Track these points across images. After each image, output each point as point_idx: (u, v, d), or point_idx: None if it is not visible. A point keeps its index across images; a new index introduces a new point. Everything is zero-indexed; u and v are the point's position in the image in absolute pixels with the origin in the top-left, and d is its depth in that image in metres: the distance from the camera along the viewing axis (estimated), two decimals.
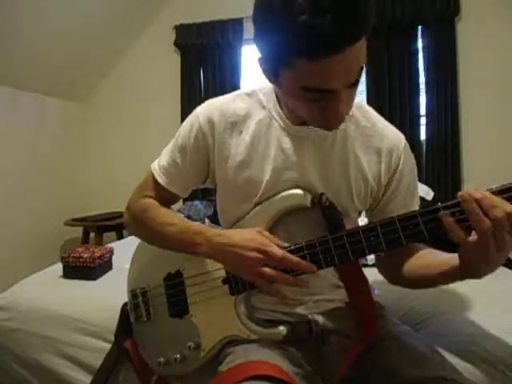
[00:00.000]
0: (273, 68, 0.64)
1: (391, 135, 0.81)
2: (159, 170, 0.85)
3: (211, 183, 0.87)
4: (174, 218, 0.81)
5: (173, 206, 0.89)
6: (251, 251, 0.68)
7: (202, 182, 0.86)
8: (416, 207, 0.83)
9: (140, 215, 0.84)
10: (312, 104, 0.64)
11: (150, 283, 0.88)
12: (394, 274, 0.82)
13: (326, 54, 0.55)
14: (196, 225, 0.79)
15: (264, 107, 0.80)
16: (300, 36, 0.54)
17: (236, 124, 0.79)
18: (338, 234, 0.69)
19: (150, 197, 0.86)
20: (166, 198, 0.86)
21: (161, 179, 0.84)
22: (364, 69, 0.63)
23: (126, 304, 0.95)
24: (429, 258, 0.76)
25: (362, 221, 0.90)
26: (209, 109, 0.81)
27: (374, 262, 1.43)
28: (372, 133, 0.80)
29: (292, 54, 0.58)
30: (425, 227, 0.63)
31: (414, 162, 0.84)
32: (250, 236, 0.70)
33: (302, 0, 0.53)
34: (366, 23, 0.56)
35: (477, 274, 0.62)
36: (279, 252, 0.67)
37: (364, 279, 0.84)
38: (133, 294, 0.90)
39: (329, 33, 0.53)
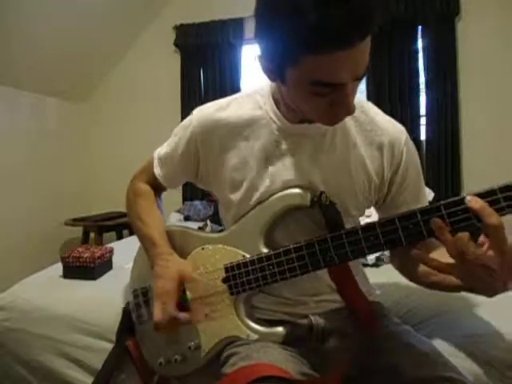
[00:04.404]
0: (278, 66, 0.63)
1: (392, 129, 0.80)
2: (157, 161, 0.91)
3: (201, 184, 0.90)
4: (150, 217, 0.88)
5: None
6: (158, 300, 0.76)
7: (192, 180, 0.91)
8: (425, 200, 0.82)
9: (132, 197, 0.93)
10: (320, 99, 0.63)
11: (152, 283, 0.88)
12: (410, 271, 0.80)
13: (338, 47, 0.55)
14: (158, 237, 0.83)
15: (261, 108, 0.79)
16: (311, 32, 0.54)
17: (232, 127, 0.79)
18: (336, 233, 0.69)
19: (147, 181, 0.94)
20: (157, 185, 0.94)
21: (156, 169, 0.91)
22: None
23: (128, 303, 0.95)
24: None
25: (363, 220, 0.90)
26: (204, 113, 0.82)
27: (373, 261, 1.44)
28: (372, 128, 0.79)
29: (301, 51, 0.57)
30: (424, 226, 0.62)
31: (416, 154, 0.83)
32: (166, 281, 0.77)
33: None
34: (376, 18, 0.57)
35: (484, 290, 0.60)
36: (171, 312, 0.74)
37: (352, 280, 0.81)
38: (134, 294, 0.90)
39: (341, 26, 0.53)
